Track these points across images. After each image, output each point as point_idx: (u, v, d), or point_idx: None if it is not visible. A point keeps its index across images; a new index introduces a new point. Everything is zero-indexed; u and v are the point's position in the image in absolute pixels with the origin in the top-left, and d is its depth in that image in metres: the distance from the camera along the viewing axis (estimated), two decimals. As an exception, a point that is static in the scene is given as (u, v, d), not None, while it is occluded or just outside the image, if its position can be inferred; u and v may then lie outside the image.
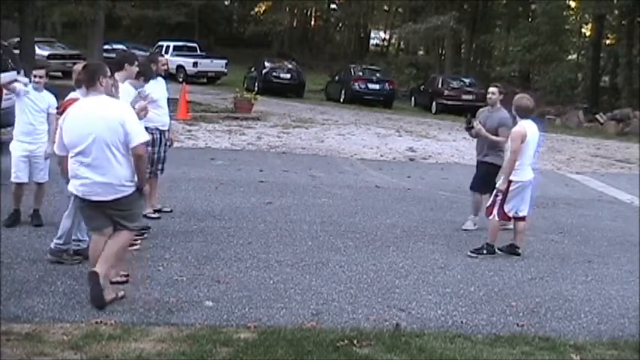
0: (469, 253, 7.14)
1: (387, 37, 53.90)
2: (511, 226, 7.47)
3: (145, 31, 44.38)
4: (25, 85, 7.00)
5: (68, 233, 5.92)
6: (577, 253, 7.67)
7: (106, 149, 4.91)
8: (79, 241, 5.98)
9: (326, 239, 7.36)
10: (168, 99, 7.84)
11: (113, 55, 13.60)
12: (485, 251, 7.12)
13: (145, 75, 6.96)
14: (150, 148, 6.81)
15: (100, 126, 4.90)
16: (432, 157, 14.69)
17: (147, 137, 5.21)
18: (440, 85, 28.43)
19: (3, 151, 8.31)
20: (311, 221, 8.10)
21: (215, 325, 4.80)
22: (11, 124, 7.33)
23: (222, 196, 9.09)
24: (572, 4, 34.60)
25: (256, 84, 28.14)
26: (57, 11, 29.54)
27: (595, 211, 10.24)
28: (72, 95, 6.13)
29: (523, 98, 7.28)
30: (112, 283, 5.17)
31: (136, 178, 5.07)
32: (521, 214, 7.25)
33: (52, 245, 5.94)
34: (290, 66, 30.29)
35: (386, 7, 50.21)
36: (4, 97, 8.25)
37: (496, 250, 7.19)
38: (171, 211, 7.92)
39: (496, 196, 7.15)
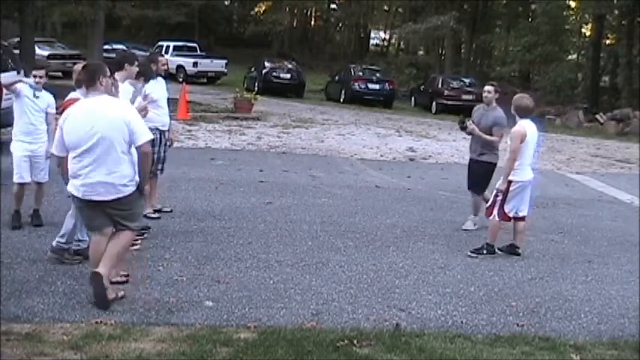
0: (469, 253, 7.14)
1: (387, 37, 53.92)
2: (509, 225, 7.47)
3: (145, 31, 44.39)
4: (31, 86, 6.98)
5: (71, 232, 5.92)
6: (577, 253, 7.67)
7: (109, 149, 4.91)
8: (79, 241, 5.98)
9: (326, 239, 7.36)
10: (168, 99, 7.84)
11: (113, 55, 13.59)
12: (485, 251, 7.12)
13: (145, 75, 6.97)
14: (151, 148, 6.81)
15: (103, 125, 4.90)
16: (432, 157, 14.69)
17: (151, 136, 5.23)
18: (440, 85, 28.44)
19: (3, 152, 8.31)
20: (311, 221, 8.10)
21: (215, 325, 4.80)
22: (11, 124, 7.32)
23: (222, 196, 9.09)
24: (572, 4, 34.60)
25: (256, 84, 28.15)
26: (57, 11, 29.56)
27: (595, 211, 10.24)
28: (72, 95, 6.14)
29: (523, 98, 7.28)
30: (112, 283, 5.17)
31: (137, 178, 5.07)
32: (521, 214, 7.25)
33: (54, 243, 5.95)
34: (290, 66, 30.30)
35: (386, 7, 50.22)
36: (4, 97, 8.23)
37: (496, 250, 7.19)
38: (171, 211, 7.92)
39: (496, 196, 7.15)
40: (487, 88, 8.27)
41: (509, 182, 7.04)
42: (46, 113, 7.02)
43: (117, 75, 6.11)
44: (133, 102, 6.41)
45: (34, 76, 7.01)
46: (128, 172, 5.01)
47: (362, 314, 5.26)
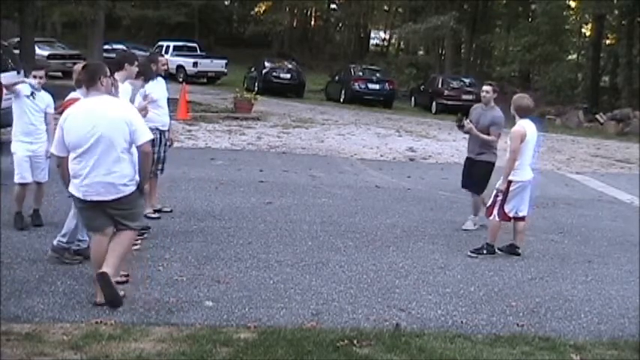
0: (469, 253, 7.14)
1: (387, 37, 53.92)
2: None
3: (145, 31, 44.40)
4: (31, 87, 6.97)
5: (73, 232, 5.92)
6: (577, 253, 7.67)
7: (109, 148, 4.91)
8: (80, 241, 5.98)
9: (326, 239, 7.36)
10: (168, 99, 7.84)
11: (113, 55, 13.59)
12: (485, 251, 7.12)
13: (145, 75, 6.97)
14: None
15: (104, 125, 4.90)
16: (432, 157, 14.69)
17: (152, 136, 5.23)
18: (440, 85, 28.44)
19: (3, 152, 8.31)
20: (311, 221, 8.10)
21: (215, 325, 4.80)
22: (11, 124, 7.31)
23: (222, 196, 9.09)
24: (572, 4, 34.61)
25: (256, 84, 28.15)
26: (57, 11, 29.59)
27: (595, 211, 10.24)
28: (72, 95, 6.14)
29: (523, 98, 7.28)
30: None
31: (137, 177, 5.07)
32: (521, 214, 7.25)
33: (55, 242, 5.95)
34: (290, 66, 30.30)
35: (386, 7, 50.22)
36: (4, 97, 8.23)
37: (496, 250, 7.19)
38: (171, 211, 7.92)
39: (496, 196, 7.15)
40: (485, 87, 8.29)
41: (509, 182, 7.04)
42: (45, 113, 7.02)
43: (117, 75, 6.12)
44: (132, 101, 6.42)
45: (34, 77, 7.01)
46: (128, 171, 5.01)
47: (362, 314, 5.26)
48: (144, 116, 6.22)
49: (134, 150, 5.05)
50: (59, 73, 24.70)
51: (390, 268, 6.51)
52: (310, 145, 15.05)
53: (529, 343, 4.90)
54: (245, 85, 28.53)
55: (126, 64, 6.45)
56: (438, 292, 5.93)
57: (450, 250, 7.33)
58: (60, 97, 6.67)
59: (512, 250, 7.26)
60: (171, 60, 27.74)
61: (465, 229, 8.22)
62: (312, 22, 53.98)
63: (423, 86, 30.52)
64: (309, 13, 52.54)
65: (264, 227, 7.67)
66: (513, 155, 6.98)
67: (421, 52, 48.25)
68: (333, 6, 51.26)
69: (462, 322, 5.28)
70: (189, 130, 15.40)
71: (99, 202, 4.99)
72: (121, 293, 5.13)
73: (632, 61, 29.44)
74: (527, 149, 7.08)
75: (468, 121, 8.15)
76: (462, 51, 40.70)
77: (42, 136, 7.01)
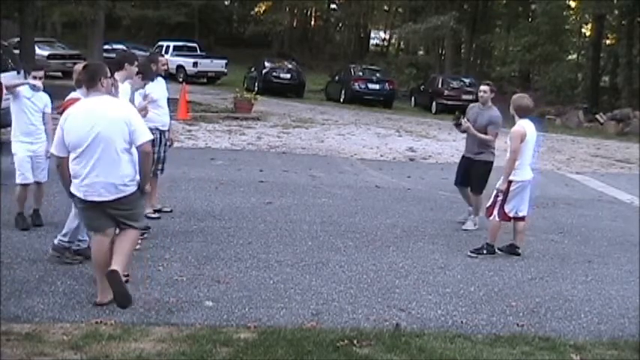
0: (469, 253, 7.14)
1: (387, 37, 53.91)
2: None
3: (145, 31, 44.39)
4: (31, 87, 6.96)
5: (74, 232, 5.92)
6: (577, 253, 7.67)
7: (109, 148, 4.91)
8: (80, 241, 5.98)
9: (326, 239, 7.36)
10: (168, 99, 7.84)
11: (113, 55, 13.59)
12: (485, 251, 7.12)
13: (145, 75, 6.97)
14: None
15: (103, 125, 4.90)
16: (432, 157, 14.69)
17: (152, 136, 5.22)
18: (440, 85, 28.44)
19: (3, 152, 8.31)
20: (311, 221, 8.10)
21: (215, 325, 4.80)
22: (10, 124, 7.30)
23: (222, 196, 9.09)
24: (572, 4, 34.61)
25: (256, 84, 28.15)
26: (57, 11, 29.59)
27: (595, 211, 10.24)
28: (72, 95, 6.13)
29: (522, 98, 7.29)
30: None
31: (137, 178, 5.07)
32: (520, 214, 7.25)
33: (56, 241, 5.95)
34: (290, 66, 30.30)
35: (386, 7, 50.21)
36: (3, 97, 8.23)
37: (496, 250, 7.19)
38: (171, 211, 7.92)
39: (497, 196, 7.15)
40: (483, 87, 8.34)
41: (510, 182, 7.04)
42: (43, 113, 7.02)
43: (117, 75, 6.12)
44: (132, 101, 6.41)
45: (34, 77, 7.00)
46: (128, 171, 5.01)
47: (362, 314, 5.26)
48: (144, 116, 6.22)
49: (134, 150, 5.05)
50: (59, 73, 24.71)
51: (390, 268, 6.51)
52: (310, 145, 15.05)
53: (529, 343, 4.90)
54: (245, 85, 28.53)
55: (126, 64, 6.46)
56: (438, 292, 5.93)
57: (450, 250, 7.33)
58: (60, 97, 6.67)
59: (512, 250, 7.26)
60: (171, 60, 27.75)
61: (465, 229, 8.23)
62: (312, 22, 53.97)
63: (423, 86, 30.52)
64: (309, 13, 52.53)
65: (264, 227, 7.67)
66: (514, 155, 6.98)
67: (421, 52, 48.25)
68: (333, 6, 51.25)
69: (462, 322, 5.28)
70: (189, 130, 15.40)
71: (100, 202, 4.99)
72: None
73: (632, 61, 29.44)
74: (527, 149, 7.09)
75: (465, 120, 8.17)
76: (462, 51, 40.70)
77: (42, 136, 7.01)
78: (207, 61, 32.04)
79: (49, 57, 27.08)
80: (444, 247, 7.41)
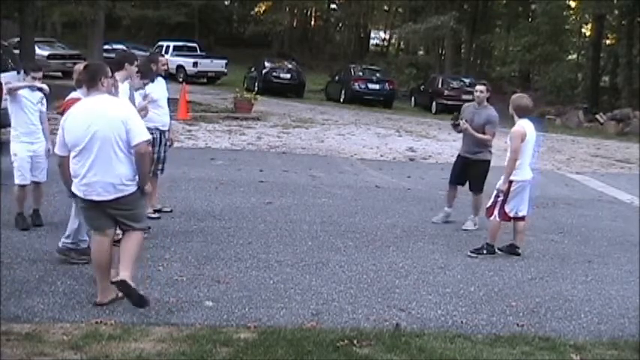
0: (469, 253, 7.14)
1: (387, 37, 53.89)
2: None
3: (145, 31, 44.38)
4: (31, 89, 6.96)
5: (76, 232, 5.92)
6: (577, 253, 7.67)
7: (107, 147, 4.90)
8: (80, 240, 5.98)
9: (326, 239, 7.36)
10: (168, 99, 7.84)
11: (113, 55, 13.60)
12: (485, 251, 7.12)
13: (144, 75, 6.97)
14: (150, 148, 6.81)
15: (101, 124, 4.90)
16: (432, 157, 14.69)
17: (149, 136, 5.19)
18: (440, 85, 28.45)
19: (2, 152, 8.30)
20: (311, 221, 8.10)
21: (215, 325, 4.80)
22: (10, 124, 7.29)
23: (222, 196, 9.09)
24: (572, 4, 34.61)
25: (256, 84, 28.16)
26: (57, 11, 29.59)
27: (595, 211, 10.24)
28: (72, 95, 6.13)
29: (522, 98, 7.29)
30: (112, 282, 5.16)
31: (137, 178, 5.06)
32: (520, 214, 7.25)
33: (60, 244, 5.96)
34: (290, 66, 30.31)
35: (386, 7, 50.20)
36: (3, 97, 8.22)
37: (496, 250, 7.19)
38: (171, 211, 7.92)
39: (497, 196, 7.15)
40: (479, 87, 8.39)
41: (510, 182, 7.04)
42: (40, 112, 7.03)
43: (117, 75, 6.11)
44: (131, 99, 6.41)
45: (34, 78, 6.99)
46: (127, 171, 4.99)
47: (362, 314, 5.26)
48: (144, 116, 6.22)
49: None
50: (59, 73, 24.70)
51: (390, 268, 6.51)
52: (310, 145, 15.06)
53: (529, 343, 4.90)
54: (245, 85, 28.54)
55: (126, 64, 6.46)
56: (438, 292, 5.93)
57: (450, 250, 7.33)
58: (60, 97, 6.67)
59: (512, 250, 7.27)
60: (171, 60, 27.74)
61: (465, 229, 8.23)
62: (312, 22, 53.96)
63: (423, 86, 30.53)
64: (309, 13, 52.52)
65: (264, 227, 7.67)
66: (514, 155, 6.98)
67: (421, 52, 48.24)
68: (333, 6, 51.24)
69: (462, 322, 5.28)
70: (189, 130, 15.41)
71: (99, 201, 4.99)
72: (121, 293, 5.13)
73: (632, 61, 29.44)
74: (527, 149, 7.09)
75: (463, 120, 8.18)
76: (462, 51, 40.70)
77: (41, 135, 7.02)
78: (207, 61, 32.04)
79: (49, 57, 27.08)
80: (444, 247, 7.42)
